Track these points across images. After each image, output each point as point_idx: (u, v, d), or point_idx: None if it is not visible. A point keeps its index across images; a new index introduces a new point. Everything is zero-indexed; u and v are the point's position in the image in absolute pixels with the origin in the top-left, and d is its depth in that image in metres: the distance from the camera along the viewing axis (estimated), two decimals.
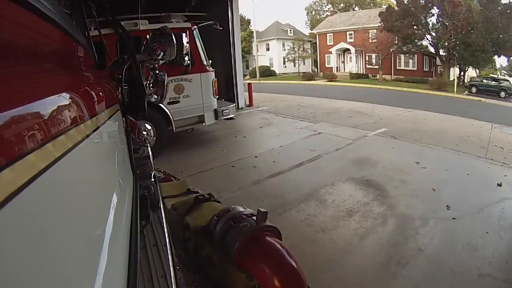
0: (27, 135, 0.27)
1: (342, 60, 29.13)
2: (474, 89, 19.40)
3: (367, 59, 27.05)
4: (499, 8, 19.60)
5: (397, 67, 25.38)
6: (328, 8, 37.59)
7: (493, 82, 19.19)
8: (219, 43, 8.14)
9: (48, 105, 0.35)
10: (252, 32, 30.48)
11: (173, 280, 0.76)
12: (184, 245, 1.29)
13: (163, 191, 1.54)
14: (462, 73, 23.80)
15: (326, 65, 29.24)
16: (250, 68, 31.95)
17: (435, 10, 21.30)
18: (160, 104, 4.25)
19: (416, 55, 24.61)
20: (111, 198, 0.63)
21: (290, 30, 34.08)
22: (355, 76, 25.52)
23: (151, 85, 1.56)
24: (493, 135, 6.42)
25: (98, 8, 1.28)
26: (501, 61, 28.06)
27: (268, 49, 33.14)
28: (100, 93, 0.72)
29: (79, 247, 0.39)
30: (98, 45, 1.23)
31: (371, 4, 35.33)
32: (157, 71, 1.55)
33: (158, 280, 0.78)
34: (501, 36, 19.77)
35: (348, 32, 27.67)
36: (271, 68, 31.89)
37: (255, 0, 33.77)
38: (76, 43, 0.72)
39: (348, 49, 27.87)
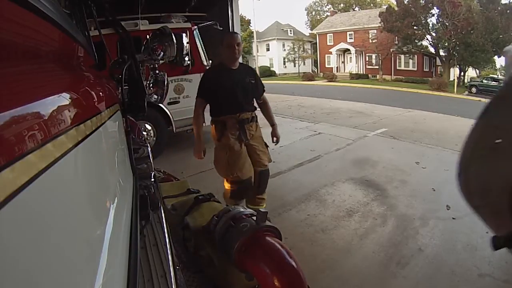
0: (27, 135, 0.27)
1: (342, 60, 29.14)
2: (474, 89, 19.37)
3: (367, 59, 27.07)
4: (499, 8, 19.62)
5: (397, 67, 25.39)
6: (328, 8, 37.66)
7: (493, 82, 19.12)
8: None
9: (48, 105, 0.35)
10: (252, 32, 30.45)
11: (173, 280, 0.76)
12: (184, 245, 1.29)
13: (163, 191, 1.54)
14: (462, 73, 23.82)
15: (326, 65, 29.25)
16: None
17: (435, 10, 21.35)
18: (160, 104, 4.25)
19: (416, 55, 24.62)
20: (111, 198, 0.63)
21: (290, 31, 34.09)
22: (355, 77, 25.52)
23: (151, 85, 1.57)
24: None
25: (98, 8, 1.28)
26: (501, 61, 27.95)
27: (268, 50, 33.15)
28: (100, 93, 0.72)
29: (79, 247, 0.39)
30: (98, 45, 1.23)
31: (371, 4, 35.39)
32: (157, 71, 1.55)
33: (158, 280, 0.78)
34: (501, 36, 19.77)
35: (348, 33, 27.69)
36: (271, 69, 31.89)
37: (255, 0, 33.66)
38: (76, 43, 0.72)
39: (348, 49, 27.89)
